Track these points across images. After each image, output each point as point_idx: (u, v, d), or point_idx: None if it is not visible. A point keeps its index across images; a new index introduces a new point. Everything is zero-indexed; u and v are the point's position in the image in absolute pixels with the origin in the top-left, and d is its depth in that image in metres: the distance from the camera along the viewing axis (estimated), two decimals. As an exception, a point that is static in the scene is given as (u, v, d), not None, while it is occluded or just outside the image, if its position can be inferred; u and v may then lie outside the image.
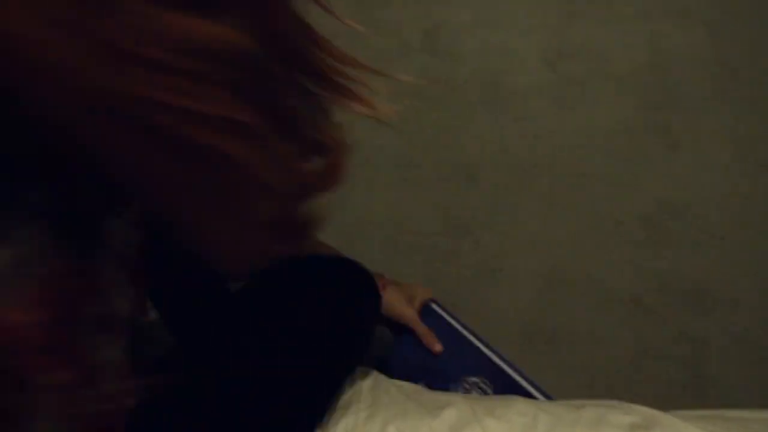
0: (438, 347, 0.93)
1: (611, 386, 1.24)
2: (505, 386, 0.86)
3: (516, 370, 0.91)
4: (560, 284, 1.31)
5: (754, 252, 1.27)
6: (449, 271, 1.36)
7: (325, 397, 0.73)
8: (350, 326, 0.74)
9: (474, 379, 0.85)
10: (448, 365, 0.91)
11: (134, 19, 0.26)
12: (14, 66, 0.26)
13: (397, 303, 0.95)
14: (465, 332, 0.99)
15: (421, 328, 0.95)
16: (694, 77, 1.39)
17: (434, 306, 1.03)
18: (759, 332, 1.23)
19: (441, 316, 1.01)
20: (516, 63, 1.54)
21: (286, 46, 0.35)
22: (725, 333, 1.24)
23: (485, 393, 0.84)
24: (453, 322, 1.00)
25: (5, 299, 0.31)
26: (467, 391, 0.85)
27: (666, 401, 0.77)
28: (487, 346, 0.95)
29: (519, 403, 0.73)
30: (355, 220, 1.43)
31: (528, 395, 0.85)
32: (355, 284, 0.78)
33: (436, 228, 1.41)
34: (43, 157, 0.31)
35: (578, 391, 1.03)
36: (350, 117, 0.42)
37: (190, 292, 0.80)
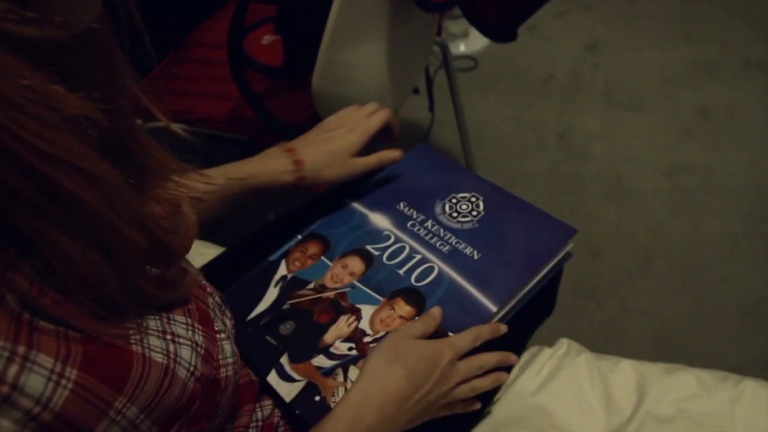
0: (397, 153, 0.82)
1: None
2: (496, 202, 0.80)
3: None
4: (671, 350, 1.52)
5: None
6: (575, 326, 1.58)
7: None
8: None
9: (464, 194, 0.81)
10: (436, 184, 0.83)
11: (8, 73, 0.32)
12: None
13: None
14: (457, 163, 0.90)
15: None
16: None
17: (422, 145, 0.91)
18: None
19: (431, 150, 0.90)
20: (636, 169, 1.85)
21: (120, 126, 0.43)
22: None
23: (476, 206, 0.80)
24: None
25: None
26: (455, 205, 0.81)
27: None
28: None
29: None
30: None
31: (521, 205, 0.81)
32: None
33: (565, 288, 1.64)
34: None
35: None
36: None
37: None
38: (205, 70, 1.39)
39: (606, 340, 1.56)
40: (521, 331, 0.82)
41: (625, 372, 0.85)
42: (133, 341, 0.43)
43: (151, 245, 0.43)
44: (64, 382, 0.37)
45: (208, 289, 0.58)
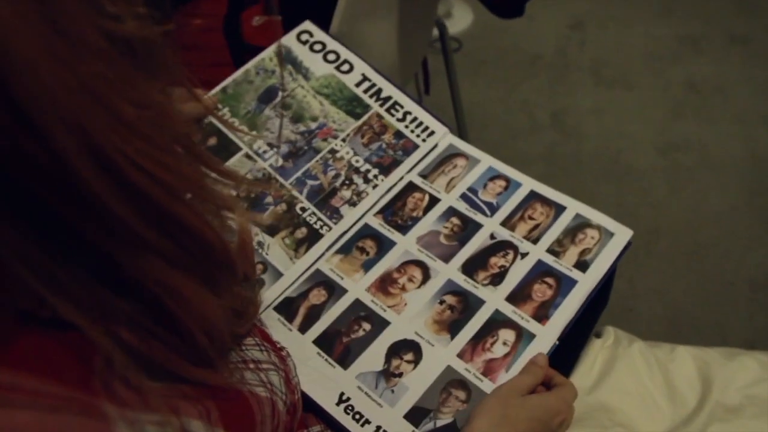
0: None
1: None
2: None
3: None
4: (684, 327, 1.51)
5: None
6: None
7: None
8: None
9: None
10: None
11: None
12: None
13: None
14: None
15: None
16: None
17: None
18: None
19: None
20: (632, 147, 1.83)
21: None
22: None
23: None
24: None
25: None
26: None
27: None
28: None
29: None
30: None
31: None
32: None
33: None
34: None
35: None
36: None
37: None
38: (194, 57, 1.29)
39: (619, 321, 1.52)
40: (584, 330, 0.78)
41: (684, 360, 0.81)
42: (237, 382, 0.38)
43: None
44: (269, 349, 0.36)
45: None
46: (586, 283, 0.65)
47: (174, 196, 0.30)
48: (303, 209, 0.72)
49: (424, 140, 0.77)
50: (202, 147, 0.36)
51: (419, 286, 0.66)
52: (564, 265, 0.66)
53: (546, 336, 0.61)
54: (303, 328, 0.64)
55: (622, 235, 0.68)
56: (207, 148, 0.76)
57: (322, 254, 0.69)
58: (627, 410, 0.75)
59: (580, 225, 0.69)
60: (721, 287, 1.52)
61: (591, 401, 0.76)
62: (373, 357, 0.61)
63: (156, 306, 0.31)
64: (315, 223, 0.71)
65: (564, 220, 0.69)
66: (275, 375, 0.42)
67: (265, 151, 0.75)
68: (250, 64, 0.79)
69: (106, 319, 0.30)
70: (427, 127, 0.77)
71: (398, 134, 0.77)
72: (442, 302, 0.64)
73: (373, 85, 0.80)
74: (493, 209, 0.71)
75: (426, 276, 0.66)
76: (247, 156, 0.75)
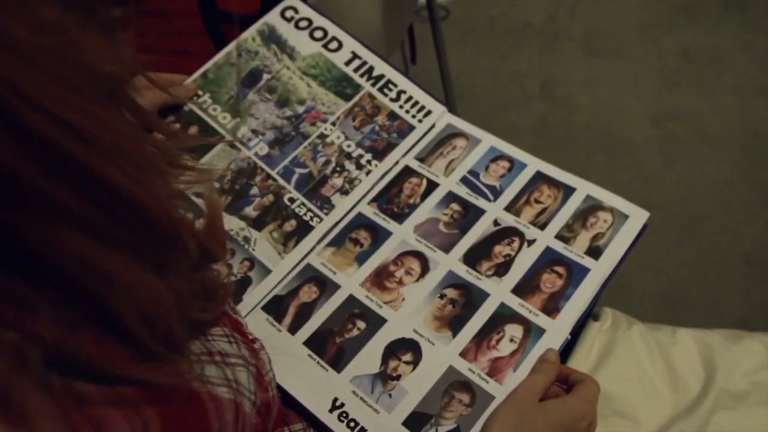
0: None
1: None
2: None
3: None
4: (678, 304, 1.49)
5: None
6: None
7: None
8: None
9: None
10: None
11: None
12: None
13: None
14: None
15: None
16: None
17: None
18: None
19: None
20: (625, 118, 1.79)
21: None
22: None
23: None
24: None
25: None
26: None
27: None
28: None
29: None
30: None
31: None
32: None
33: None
34: None
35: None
36: None
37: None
38: (163, 25, 1.22)
39: (611, 297, 1.50)
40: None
41: (686, 343, 0.78)
42: (194, 379, 0.32)
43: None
44: (239, 341, 0.31)
45: None
46: (599, 272, 0.61)
47: (96, 150, 0.25)
48: (291, 200, 0.67)
49: (420, 121, 0.72)
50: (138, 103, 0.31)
51: (417, 279, 0.62)
52: (575, 252, 0.62)
53: (557, 331, 0.57)
54: (293, 329, 0.60)
55: (638, 217, 0.64)
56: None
57: (313, 248, 0.65)
58: (627, 398, 0.73)
59: (591, 207, 0.65)
60: (716, 262, 1.50)
61: (588, 388, 0.73)
62: (368, 358, 0.57)
63: (80, 290, 0.26)
64: (304, 214, 0.66)
65: (574, 203, 0.65)
66: (243, 372, 0.38)
67: (249, 139, 0.70)
68: (231, 46, 0.74)
69: (16, 311, 0.25)
70: (423, 107, 0.73)
71: (392, 115, 0.72)
72: (442, 296, 0.60)
73: (364, 63, 0.75)
74: (497, 193, 0.67)
75: (425, 268, 0.62)
76: (231, 145, 0.70)
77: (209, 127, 0.71)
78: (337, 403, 0.55)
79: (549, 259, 0.61)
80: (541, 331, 0.57)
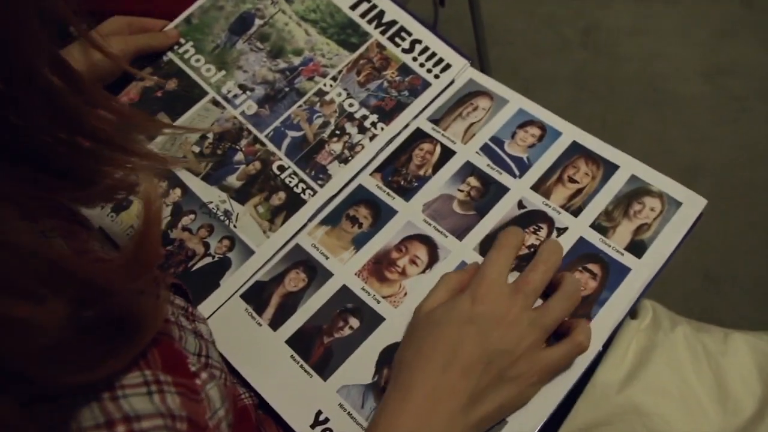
0: None
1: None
2: None
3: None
4: (721, 281, 1.37)
5: None
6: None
7: None
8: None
9: None
10: None
11: None
12: None
13: None
14: None
15: None
16: None
17: None
18: None
19: None
20: (673, 71, 1.63)
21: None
22: None
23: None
24: None
25: None
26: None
27: None
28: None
29: None
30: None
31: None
32: None
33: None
34: None
35: None
36: None
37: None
38: None
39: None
40: None
41: (739, 352, 0.67)
42: None
43: None
44: (166, 387, 0.29)
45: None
46: (641, 274, 0.50)
47: None
48: (281, 168, 0.58)
49: (436, 76, 0.61)
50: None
51: (424, 271, 0.52)
52: (613, 246, 0.52)
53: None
54: (275, 323, 0.51)
55: (693, 205, 0.53)
56: (166, 93, 0.61)
57: (304, 225, 0.56)
58: (665, 415, 0.62)
59: (636, 191, 0.54)
60: None
61: (621, 401, 0.63)
62: (360, 364, 0.49)
63: None
64: (296, 185, 0.57)
65: (616, 184, 0.54)
66: None
67: (236, 96, 0.60)
68: None
69: None
70: (441, 59, 0.62)
71: (404, 69, 0.61)
72: None
73: (374, 6, 0.64)
74: (524, 167, 0.56)
75: (433, 257, 0.53)
76: (214, 102, 0.60)
77: (191, 81, 0.61)
78: (321, 418, 0.47)
79: (582, 254, 0.51)
80: None
